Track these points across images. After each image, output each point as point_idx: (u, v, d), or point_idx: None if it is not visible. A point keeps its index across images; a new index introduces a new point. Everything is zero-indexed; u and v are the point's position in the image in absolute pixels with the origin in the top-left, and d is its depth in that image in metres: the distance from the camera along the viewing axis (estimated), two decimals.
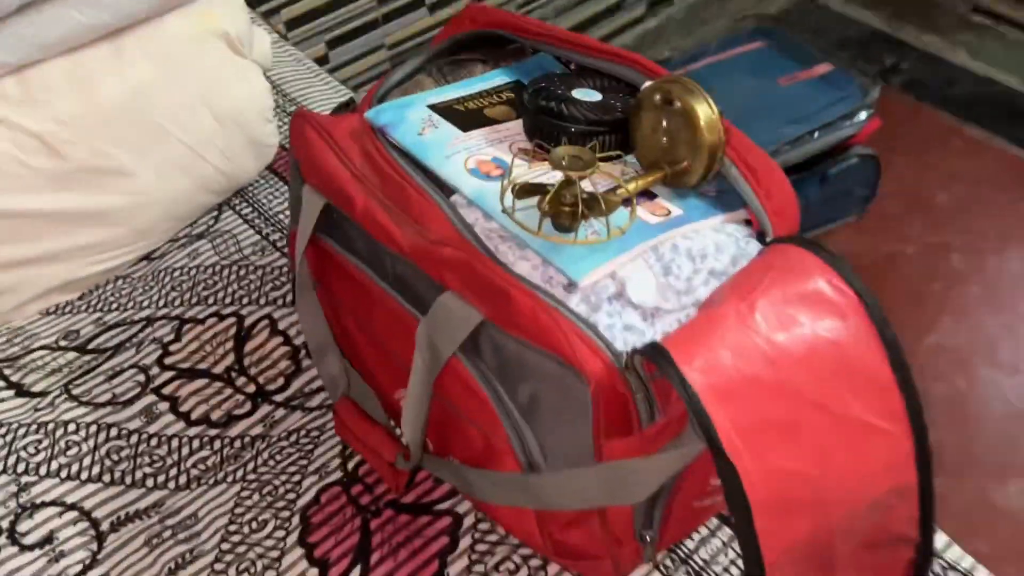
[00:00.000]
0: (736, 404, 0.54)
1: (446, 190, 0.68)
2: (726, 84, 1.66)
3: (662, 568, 0.75)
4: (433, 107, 0.74)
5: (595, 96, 0.70)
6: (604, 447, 0.60)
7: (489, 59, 0.81)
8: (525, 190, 0.62)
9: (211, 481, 0.84)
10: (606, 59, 0.72)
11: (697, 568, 0.75)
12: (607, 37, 2.17)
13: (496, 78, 0.78)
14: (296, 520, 0.80)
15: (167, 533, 0.81)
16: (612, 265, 0.60)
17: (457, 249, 0.62)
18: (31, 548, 0.80)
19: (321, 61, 1.74)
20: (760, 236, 0.64)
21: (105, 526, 0.81)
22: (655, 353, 0.55)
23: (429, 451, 0.73)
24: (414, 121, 0.72)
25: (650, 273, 0.60)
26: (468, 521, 0.78)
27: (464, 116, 0.73)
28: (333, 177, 0.72)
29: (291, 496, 0.82)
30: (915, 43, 2.11)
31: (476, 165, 0.68)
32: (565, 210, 0.60)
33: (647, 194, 0.65)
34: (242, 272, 1.00)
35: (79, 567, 0.79)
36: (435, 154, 0.69)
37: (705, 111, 0.64)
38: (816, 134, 1.56)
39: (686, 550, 0.76)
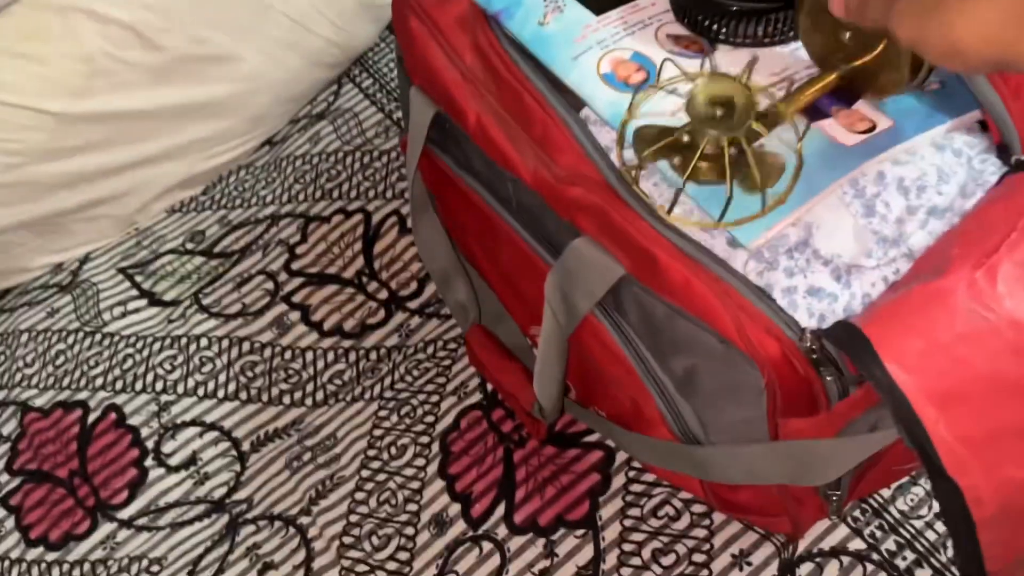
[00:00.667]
0: (964, 409, 0.41)
1: (575, 100, 0.54)
2: None
3: (851, 521, 0.65)
4: None
5: None
6: (782, 426, 0.48)
7: None
8: (649, 140, 0.47)
9: (348, 398, 0.79)
10: None
11: (892, 522, 0.64)
12: None
13: None
14: (436, 447, 0.75)
15: (307, 455, 0.77)
16: (793, 217, 0.45)
17: (589, 190, 0.50)
18: (177, 469, 0.79)
19: None
20: (1003, 152, 0.47)
21: (246, 446, 0.79)
22: (851, 342, 0.42)
23: (572, 398, 0.64)
24: (534, 3, 0.57)
25: (847, 214, 0.46)
26: (621, 456, 0.70)
27: None
28: (441, 80, 0.59)
29: (430, 419, 0.76)
30: None
31: (612, 68, 0.53)
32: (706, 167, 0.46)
33: (841, 97, 0.49)
34: (366, 160, 0.91)
35: (224, 489, 0.77)
36: (561, 53, 0.55)
37: None
38: None
39: (879, 500, 0.65)
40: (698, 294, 0.45)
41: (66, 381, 0.84)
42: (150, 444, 0.80)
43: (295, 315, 0.84)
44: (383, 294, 0.83)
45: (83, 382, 0.84)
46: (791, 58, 0.52)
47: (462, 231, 0.68)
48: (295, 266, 0.86)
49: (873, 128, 0.47)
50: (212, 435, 0.80)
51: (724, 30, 0.52)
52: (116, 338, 0.86)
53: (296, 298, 0.85)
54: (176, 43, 0.82)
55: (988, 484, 0.42)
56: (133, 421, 0.81)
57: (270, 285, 0.86)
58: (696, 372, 0.49)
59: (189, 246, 0.90)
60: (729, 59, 0.52)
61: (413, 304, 0.82)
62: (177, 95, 0.85)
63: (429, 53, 0.60)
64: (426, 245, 0.69)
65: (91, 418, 0.82)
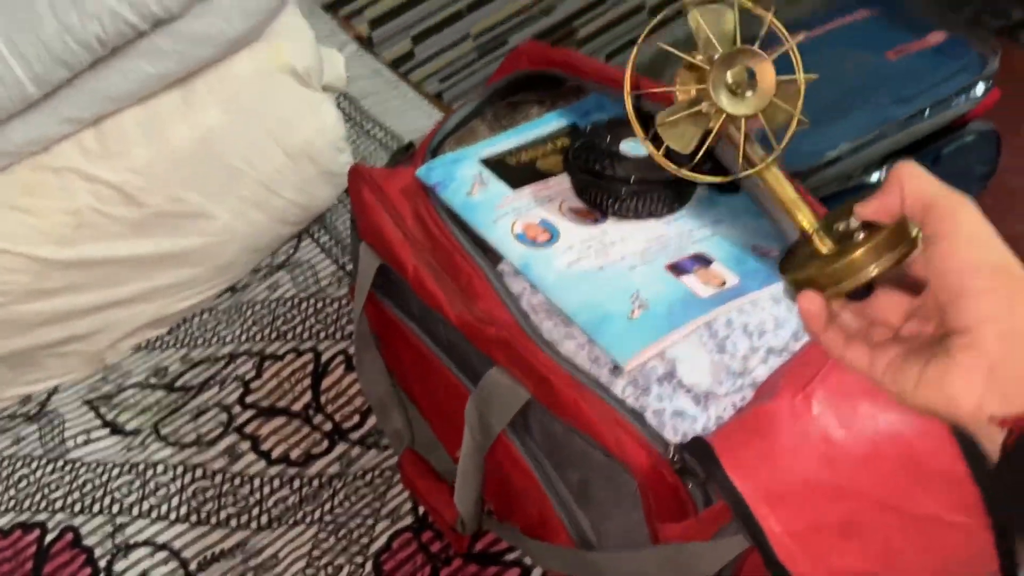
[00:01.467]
0: (790, 507, 0.51)
1: (494, 255, 0.66)
2: (830, 59, 1.56)
3: None
4: (485, 161, 0.72)
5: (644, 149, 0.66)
6: (660, 530, 0.58)
7: (546, 99, 0.78)
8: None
9: (291, 521, 0.86)
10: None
11: None
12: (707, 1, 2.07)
13: (551, 123, 0.75)
14: (369, 567, 0.81)
15: (250, 574, 0.83)
16: (661, 344, 0.57)
17: (501, 328, 0.61)
18: None
19: (406, 57, 1.73)
20: None
21: (193, 566, 0.85)
22: (702, 453, 0.52)
23: (491, 513, 0.73)
24: (464, 179, 0.70)
25: (704, 351, 0.57)
26: (537, 572, 0.78)
27: (515, 170, 0.71)
28: (386, 238, 0.71)
29: (364, 540, 0.83)
30: None
31: (523, 229, 0.65)
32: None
33: (700, 260, 0.62)
34: (319, 305, 1.01)
35: None
36: (483, 217, 0.67)
37: None
38: (927, 112, 1.45)
39: None
40: (585, 415, 0.56)
41: (27, 503, 0.90)
42: (102, 563, 0.86)
43: (246, 444, 0.92)
44: (328, 426, 0.92)
45: (43, 504, 0.90)
46: (667, 227, 0.65)
47: (401, 366, 0.79)
48: (249, 400, 0.95)
49: (724, 284, 0.59)
50: (162, 555, 0.86)
51: (615, 207, 0.65)
52: (78, 464, 0.93)
53: (248, 429, 0.93)
54: (156, 201, 0.94)
55: (816, 571, 0.52)
56: (88, 542, 0.87)
57: (224, 417, 0.94)
58: (588, 482, 0.59)
59: (152, 381, 0.99)
60: (616, 228, 0.65)
61: (355, 435, 0.91)
62: (153, 246, 0.96)
63: (378, 217, 0.72)
64: (368, 378, 0.79)
65: (48, 538, 0.88)
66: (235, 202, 0.98)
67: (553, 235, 0.64)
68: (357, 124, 1.20)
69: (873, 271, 0.41)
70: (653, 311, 0.58)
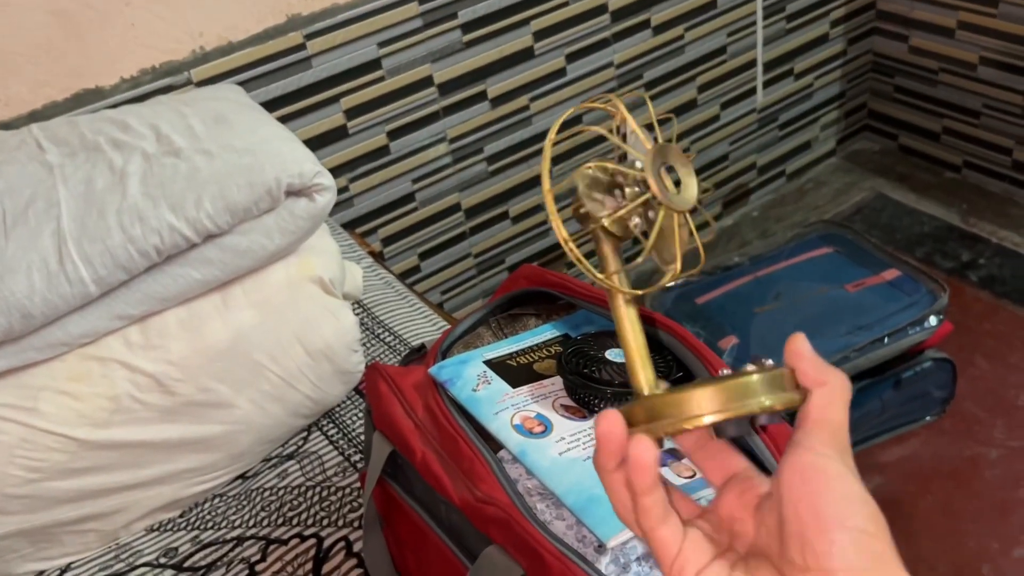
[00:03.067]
0: None
1: (495, 444, 0.76)
2: (795, 290, 1.72)
3: None
4: (488, 362, 0.83)
5: None
6: None
7: (541, 313, 0.91)
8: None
9: None
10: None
11: None
12: None
13: (546, 332, 0.87)
14: None
15: None
16: None
17: (499, 508, 0.69)
18: None
19: (413, 271, 1.89)
20: None
21: None
22: None
23: None
24: (470, 377, 0.81)
25: None
26: None
27: (515, 371, 0.82)
28: (398, 427, 0.81)
29: None
30: (991, 238, 2.13)
31: (521, 421, 0.76)
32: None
33: (673, 453, 0.72)
34: (324, 493, 1.09)
35: None
36: (486, 410, 0.77)
37: None
38: (886, 340, 1.59)
39: None
40: None
41: None
42: None
43: None
44: None
45: None
46: None
47: (402, 548, 0.86)
48: None
49: (694, 475, 0.69)
50: None
51: (600, 405, 0.76)
52: None
53: None
54: (187, 391, 1.04)
55: None
56: None
57: None
58: None
59: (162, 560, 1.05)
60: None
61: None
62: (179, 431, 1.05)
63: (391, 408, 0.83)
64: (371, 557, 0.86)
65: None
66: (256, 394, 1.09)
67: (547, 427, 0.75)
68: (369, 329, 1.32)
69: (707, 417, 0.39)
70: None
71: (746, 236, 2.31)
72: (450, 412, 0.79)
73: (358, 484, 1.10)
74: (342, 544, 1.03)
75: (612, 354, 0.78)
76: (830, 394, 0.41)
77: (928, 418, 1.72)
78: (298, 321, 1.11)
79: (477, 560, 0.71)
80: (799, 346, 0.42)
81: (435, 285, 1.95)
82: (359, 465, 1.12)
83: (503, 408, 0.77)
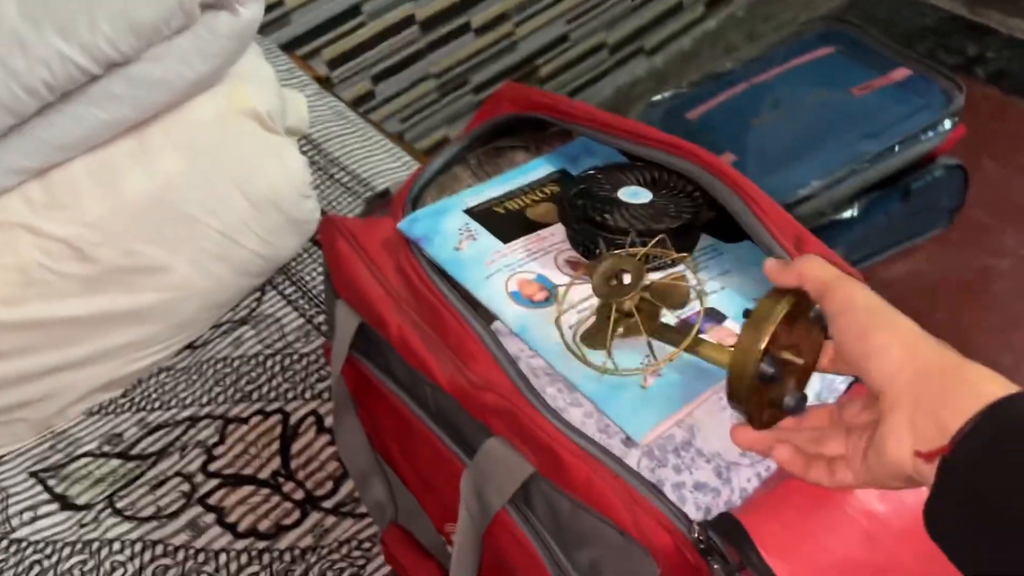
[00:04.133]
0: None
1: (486, 314, 0.61)
2: (795, 97, 1.55)
3: None
4: (470, 211, 0.67)
5: (645, 196, 0.63)
6: None
7: (530, 144, 0.74)
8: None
9: None
10: (657, 148, 0.64)
11: None
12: (666, 41, 2.07)
13: (538, 169, 0.71)
14: None
15: None
16: (679, 416, 0.52)
17: (500, 395, 0.56)
18: None
19: (367, 97, 1.69)
20: None
21: None
22: (732, 532, 0.47)
23: None
24: (450, 232, 0.65)
25: (724, 417, 0.53)
26: None
27: (504, 221, 0.66)
28: (366, 296, 0.66)
29: None
30: (1000, 29, 1.95)
31: (518, 287, 0.61)
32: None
33: (715, 316, 0.58)
34: (286, 362, 0.95)
35: None
36: (473, 274, 0.62)
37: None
38: (897, 148, 1.44)
39: None
40: (598, 491, 0.51)
41: None
42: None
43: (210, 517, 0.85)
44: (299, 494, 0.86)
45: None
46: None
47: (381, 432, 0.73)
48: (212, 467, 0.88)
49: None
50: None
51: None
52: (24, 544, 0.85)
53: (212, 500, 0.86)
54: (110, 256, 0.87)
55: None
56: None
57: (186, 487, 0.87)
58: (599, 564, 0.53)
59: (106, 449, 0.92)
60: None
61: (328, 503, 0.85)
62: (107, 303, 0.89)
63: (355, 272, 0.67)
64: (347, 446, 0.73)
65: None
66: (195, 254, 0.92)
67: (551, 293, 0.60)
68: (322, 169, 1.15)
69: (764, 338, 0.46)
70: (667, 378, 0.53)
71: (732, 40, 2.10)
72: (429, 277, 0.63)
73: (323, 349, 0.96)
74: (311, 419, 0.90)
75: (628, 193, 0.62)
76: (811, 270, 0.47)
77: (935, 231, 1.60)
78: (234, 164, 0.93)
79: (476, 455, 0.57)
80: (767, 269, 0.49)
81: (393, 112, 1.74)
82: (324, 328, 0.98)
83: (495, 270, 0.62)
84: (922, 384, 0.41)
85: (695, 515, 0.51)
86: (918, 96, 1.49)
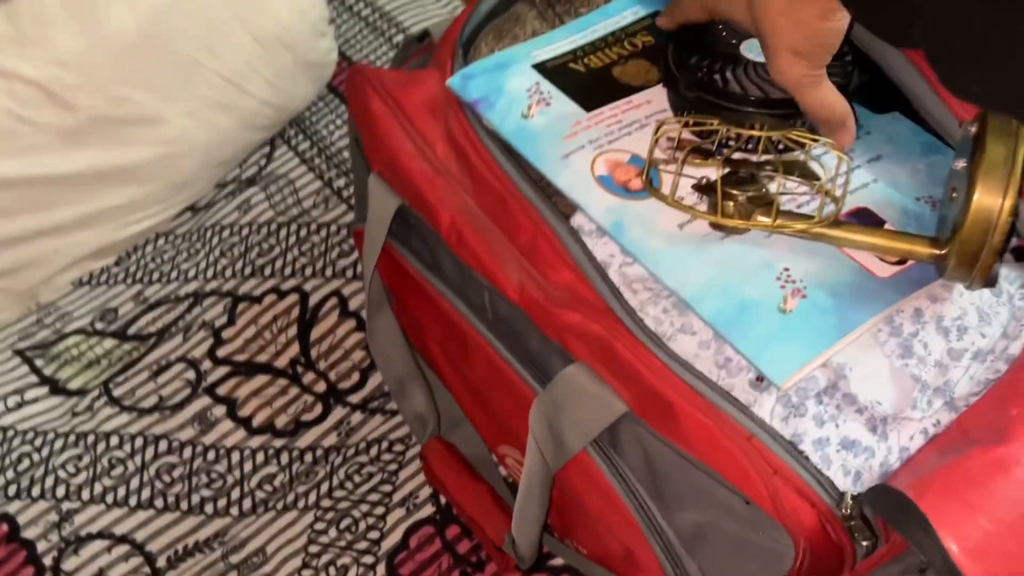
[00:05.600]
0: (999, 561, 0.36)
1: (565, 203, 0.48)
2: None
3: None
4: (541, 68, 0.52)
5: None
6: None
7: None
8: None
9: (279, 506, 0.71)
10: None
11: None
12: None
13: (625, 10, 0.55)
14: (382, 570, 0.67)
15: (232, 574, 0.68)
16: (831, 352, 0.40)
17: (589, 317, 0.43)
18: None
19: None
20: None
21: (162, 562, 0.69)
22: (904, 517, 0.36)
23: (548, 528, 0.57)
24: (516, 94, 0.51)
25: (881, 355, 0.41)
26: None
27: (585, 82, 0.52)
28: (407, 171, 0.52)
29: (374, 535, 0.68)
30: None
31: (608, 170, 0.47)
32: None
33: (869, 217, 0.44)
34: (303, 233, 0.83)
35: None
36: (549, 151, 0.48)
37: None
38: None
39: None
40: (722, 448, 0.39)
41: None
42: (48, 561, 0.69)
43: (220, 410, 0.75)
44: (320, 386, 0.75)
45: None
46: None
47: (421, 331, 0.61)
48: (220, 353, 0.77)
49: (906, 260, 0.42)
50: (122, 549, 0.70)
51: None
52: (10, 433, 0.75)
53: (221, 390, 0.76)
54: (92, 103, 0.73)
55: None
56: (28, 534, 0.70)
57: (191, 375, 0.76)
58: (710, 529, 0.43)
59: (99, 326, 0.80)
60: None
61: (354, 398, 0.74)
62: (91, 159, 0.75)
63: (393, 139, 0.53)
64: (381, 350, 0.62)
65: None
66: (193, 103, 0.78)
67: (652, 179, 0.46)
68: (339, 1, 0.98)
69: None
70: (814, 300, 0.41)
71: None
72: (490, 154, 0.50)
73: (345, 219, 0.83)
74: (334, 300, 0.79)
75: (752, 48, 0.48)
76: None
77: None
78: None
79: (552, 384, 0.46)
80: None
81: None
82: (345, 193, 0.85)
83: (576, 147, 0.48)
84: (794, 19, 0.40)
85: (843, 482, 0.40)
86: None
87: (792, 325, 0.40)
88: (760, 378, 0.41)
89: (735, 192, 0.41)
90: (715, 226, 0.44)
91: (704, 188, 0.44)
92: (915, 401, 0.40)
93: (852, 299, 0.41)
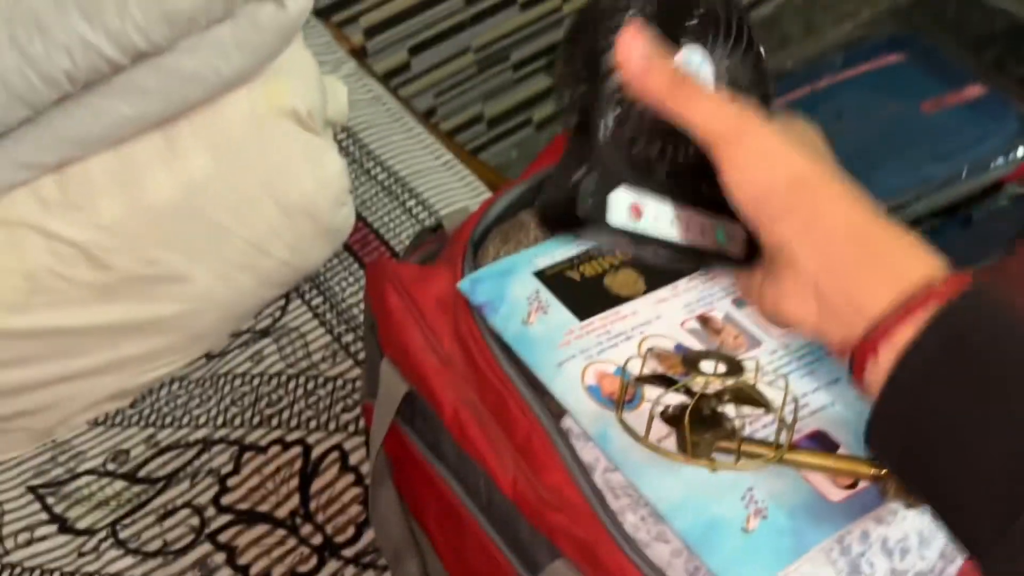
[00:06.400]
0: None
1: (555, 406, 0.54)
2: (860, 108, 1.45)
3: None
4: (541, 275, 0.59)
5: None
6: None
7: None
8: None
9: None
10: None
11: None
12: None
13: None
14: None
15: None
16: (789, 570, 0.45)
17: (574, 520, 0.48)
18: None
19: (401, 69, 1.59)
20: None
21: None
22: None
23: None
24: (518, 301, 0.57)
25: (833, 573, 0.46)
26: None
27: (579, 290, 0.58)
28: (418, 364, 0.58)
29: None
30: None
31: (596, 380, 0.53)
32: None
33: (823, 444, 0.50)
34: (310, 386, 0.88)
35: None
36: (545, 358, 0.54)
37: None
38: (965, 174, 1.36)
39: None
40: None
41: None
42: None
43: (220, 557, 0.78)
44: (317, 539, 0.79)
45: None
46: None
47: (419, 503, 0.66)
48: (224, 501, 0.81)
49: (855, 484, 0.48)
50: None
51: None
52: (18, 570, 0.78)
53: (223, 537, 0.79)
54: (126, 263, 0.80)
55: None
56: None
57: (196, 521, 0.80)
58: None
59: (111, 467, 0.85)
60: None
61: (349, 552, 0.78)
62: (120, 313, 0.81)
63: (406, 333, 0.59)
64: (381, 521, 0.66)
65: None
66: (218, 264, 0.85)
67: (637, 391, 0.52)
68: (357, 162, 1.06)
69: None
70: (774, 521, 0.46)
71: (787, 29, 1.99)
72: (493, 356, 0.55)
73: (351, 374, 0.89)
74: (335, 454, 0.83)
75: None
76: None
77: (991, 259, 1.52)
78: (268, 168, 0.85)
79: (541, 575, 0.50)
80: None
81: (427, 86, 1.64)
82: (352, 348, 0.90)
83: (569, 356, 0.54)
84: (834, 252, 0.37)
85: None
86: (992, 118, 1.40)
87: (754, 545, 0.45)
88: None
89: (703, 433, 0.47)
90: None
91: (671, 420, 0.49)
92: None
93: (807, 521, 0.46)
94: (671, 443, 0.49)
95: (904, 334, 0.35)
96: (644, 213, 0.40)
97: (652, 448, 0.48)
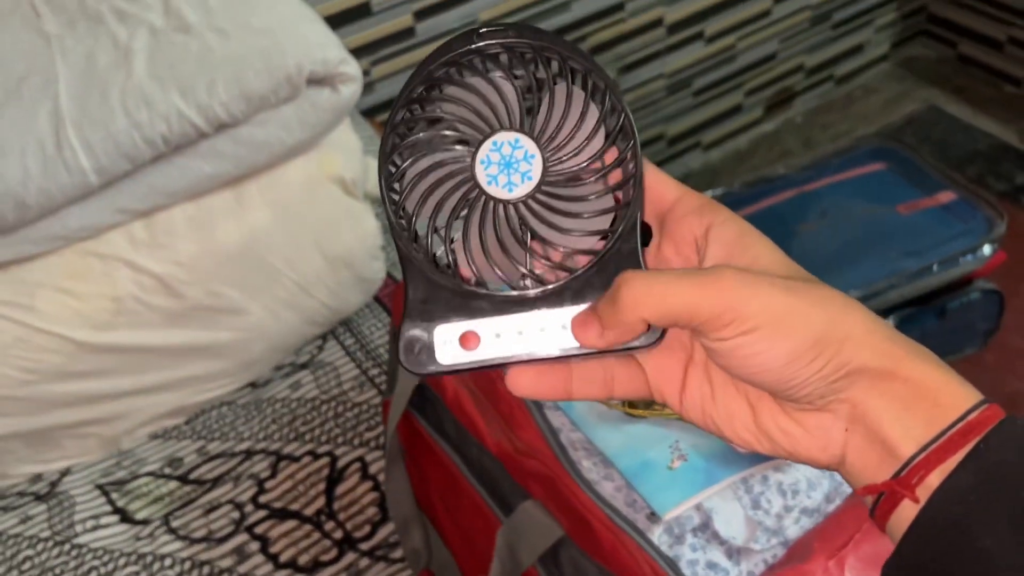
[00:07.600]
0: None
1: None
2: (843, 207, 1.62)
3: None
4: None
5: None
6: None
7: None
8: None
9: None
10: None
11: None
12: (723, 139, 2.16)
13: None
14: None
15: None
16: (699, 498, 0.58)
17: (542, 462, 0.62)
18: None
19: None
20: None
21: None
22: None
23: None
24: None
25: (738, 506, 0.59)
26: None
27: None
28: None
29: None
30: None
31: None
32: None
33: None
34: (339, 409, 1.03)
35: None
36: None
37: None
38: (935, 268, 1.50)
39: None
40: (623, 560, 0.57)
41: None
42: None
43: (255, 545, 0.92)
44: (338, 534, 0.92)
45: None
46: None
47: (427, 484, 0.79)
48: (262, 499, 0.95)
49: None
50: None
51: None
52: (84, 550, 0.92)
53: (259, 529, 0.93)
54: (196, 294, 0.96)
55: None
56: None
57: (236, 515, 0.94)
58: None
59: (167, 471, 0.99)
60: None
61: (365, 546, 0.91)
62: (186, 337, 0.97)
63: None
64: (394, 494, 0.80)
65: None
66: (270, 300, 1.01)
67: None
68: (387, 229, 1.23)
69: None
70: (692, 463, 0.60)
71: (788, 144, 2.18)
72: None
73: (376, 400, 1.03)
74: (357, 465, 0.97)
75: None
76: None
77: (968, 350, 1.64)
78: (317, 224, 1.02)
79: (513, 514, 0.64)
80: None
81: None
82: (377, 380, 1.05)
83: None
84: (885, 393, 0.33)
85: None
86: (961, 220, 1.55)
87: (675, 478, 0.59)
88: (652, 515, 0.59)
89: None
90: (629, 413, 0.63)
91: None
92: (759, 539, 0.58)
93: (718, 464, 0.59)
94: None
95: (939, 473, 0.32)
96: (481, 337, 0.34)
97: (606, 404, 0.62)
